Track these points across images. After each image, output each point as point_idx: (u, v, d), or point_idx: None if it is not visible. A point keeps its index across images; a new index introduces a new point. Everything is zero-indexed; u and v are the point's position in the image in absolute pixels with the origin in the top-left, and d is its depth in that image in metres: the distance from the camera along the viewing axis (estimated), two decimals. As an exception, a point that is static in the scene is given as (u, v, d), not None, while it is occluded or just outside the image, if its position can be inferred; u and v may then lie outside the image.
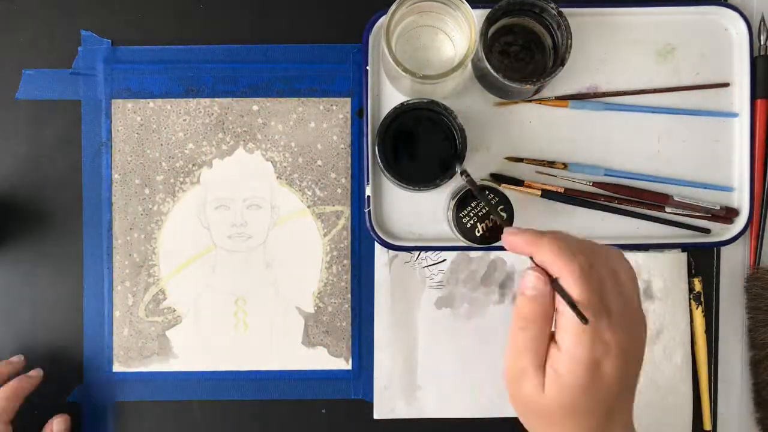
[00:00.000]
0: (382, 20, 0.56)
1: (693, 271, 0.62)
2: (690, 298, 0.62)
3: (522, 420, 0.47)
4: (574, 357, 0.43)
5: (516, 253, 0.47)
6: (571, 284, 0.43)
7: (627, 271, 0.46)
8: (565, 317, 0.43)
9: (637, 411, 0.61)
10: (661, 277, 0.61)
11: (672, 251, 0.62)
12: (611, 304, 0.44)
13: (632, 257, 0.61)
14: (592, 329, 0.43)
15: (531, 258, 0.46)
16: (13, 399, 0.58)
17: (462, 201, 0.56)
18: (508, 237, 0.48)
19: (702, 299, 0.62)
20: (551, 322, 0.45)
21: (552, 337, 0.45)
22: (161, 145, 0.62)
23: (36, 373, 0.61)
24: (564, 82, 0.61)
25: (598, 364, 0.43)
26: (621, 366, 0.43)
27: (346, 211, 0.62)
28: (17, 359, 0.61)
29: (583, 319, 0.42)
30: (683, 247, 0.62)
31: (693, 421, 0.62)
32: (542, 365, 0.44)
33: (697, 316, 0.62)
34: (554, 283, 0.44)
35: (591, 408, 0.44)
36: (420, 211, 0.61)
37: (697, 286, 0.61)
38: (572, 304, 0.43)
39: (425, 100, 0.56)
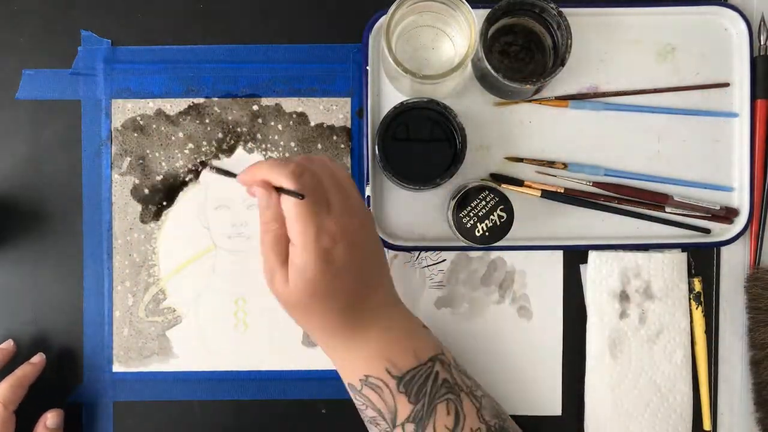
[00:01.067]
0: (382, 20, 0.56)
1: (693, 271, 0.62)
2: (690, 298, 0.62)
3: (288, 314, 0.52)
4: (306, 248, 0.48)
5: (249, 187, 0.51)
6: (288, 185, 0.48)
7: (342, 171, 0.52)
8: (290, 217, 0.48)
9: (637, 411, 0.61)
10: (661, 277, 0.61)
11: (672, 251, 0.62)
12: (331, 197, 0.49)
13: (632, 257, 0.61)
14: (313, 220, 0.48)
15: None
16: (18, 388, 0.59)
17: (462, 201, 0.56)
18: (239, 179, 0.51)
19: (702, 299, 0.62)
20: (284, 223, 0.49)
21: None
22: (161, 144, 0.62)
23: (39, 359, 0.61)
24: (564, 82, 0.61)
25: (328, 251, 0.48)
26: (350, 249, 0.49)
27: (346, 211, 0.62)
28: (6, 345, 0.61)
29: (298, 195, 0.47)
30: (683, 247, 0.62)
31: (693, 421, 0.62)
32: (285, 261, 0.49)
33: (697, 316, 0.62)
34: (278, 189, 0.49)
35: (333, 291, 0.49)
36: (420, 211, 0.61)
37: (697, 286, 0.61)
38: (288, 191, 0.47)
39: (425, 100, 0.56)
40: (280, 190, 0.49)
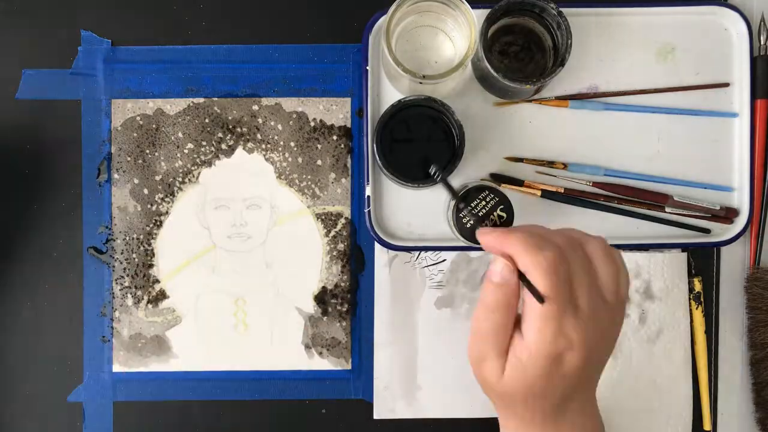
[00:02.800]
0: (382, 20, 0.56)
1: (693, 271, 0.62)
2: (690, 298, 0.62)
3: (488, 396, 0.49)
4: (537, 348, 0.44)
5: (491, 252, 0.48)
6: (537, 278, 0.43)
7: (607, 265, 0.46)
8: (531, 308, 0.44)
9: (637, 411, 0.61)
10: (661, 277, 0.61)
11: (672, 251, 0.62)
12: (580, 299, 0.44)
13: (632, 257, 0.61)
14: (555, 323, 0.43)
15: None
16: None
17: (462, 201, 0.56)
18: (481, 237, 0.48)
19: (702, 299, 0.62)
20: (515, 312, 0.45)
21: (518, 324, 0.46)
22: (161, 144, 0.62)
23: None
24: (564, 82, 0.61)
25: (560, 358, 0.44)
26: (583, 360, 0.44)
27: (346, 211, 0.62)
28: None
29: (540, 299, 0.43)
30: (683, 247, 0.62)
31: (692, 421, 0.62)
32: (504, 351, 0.45)
33: (697, 316, 0.62)
34: (520, 275, 0.45)
35: (547, 393, 0.45)
36: (420, 211, 0.61)
37: (697, 286, 0.61)
38: (531, 287, 0.43)
39: (422, 97, 0.56)
40: (523, 278, 0.44)
